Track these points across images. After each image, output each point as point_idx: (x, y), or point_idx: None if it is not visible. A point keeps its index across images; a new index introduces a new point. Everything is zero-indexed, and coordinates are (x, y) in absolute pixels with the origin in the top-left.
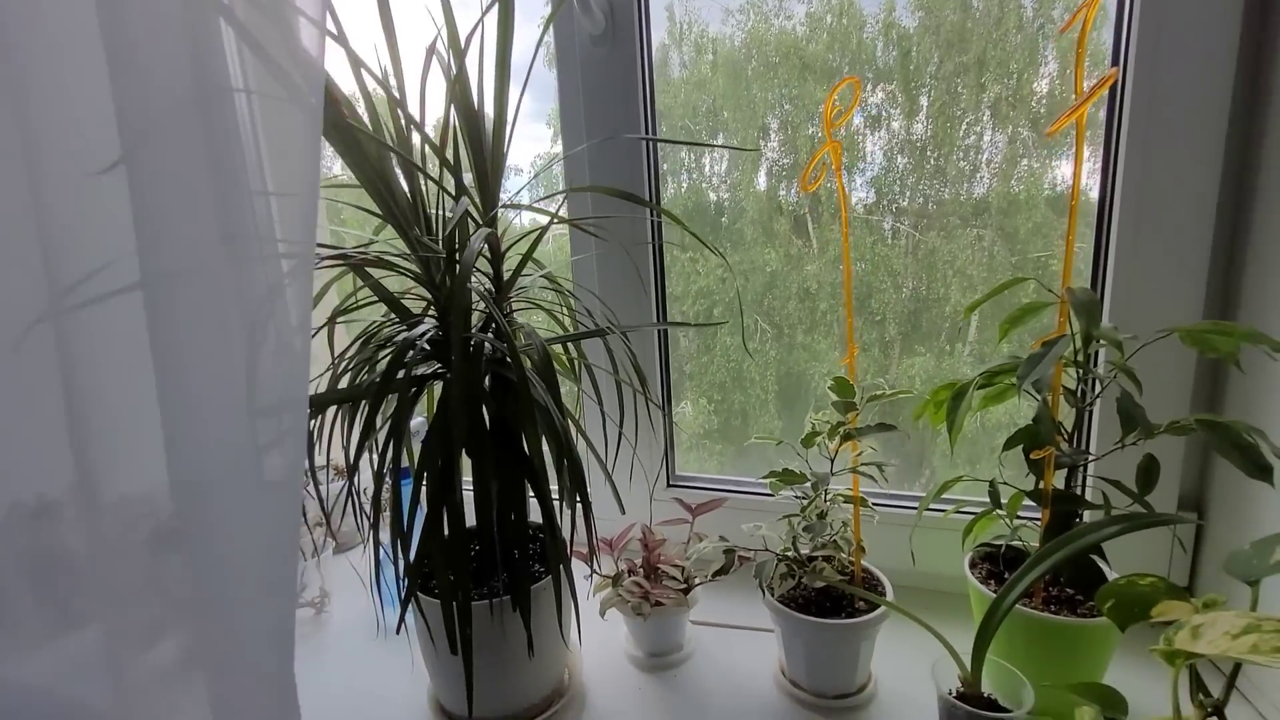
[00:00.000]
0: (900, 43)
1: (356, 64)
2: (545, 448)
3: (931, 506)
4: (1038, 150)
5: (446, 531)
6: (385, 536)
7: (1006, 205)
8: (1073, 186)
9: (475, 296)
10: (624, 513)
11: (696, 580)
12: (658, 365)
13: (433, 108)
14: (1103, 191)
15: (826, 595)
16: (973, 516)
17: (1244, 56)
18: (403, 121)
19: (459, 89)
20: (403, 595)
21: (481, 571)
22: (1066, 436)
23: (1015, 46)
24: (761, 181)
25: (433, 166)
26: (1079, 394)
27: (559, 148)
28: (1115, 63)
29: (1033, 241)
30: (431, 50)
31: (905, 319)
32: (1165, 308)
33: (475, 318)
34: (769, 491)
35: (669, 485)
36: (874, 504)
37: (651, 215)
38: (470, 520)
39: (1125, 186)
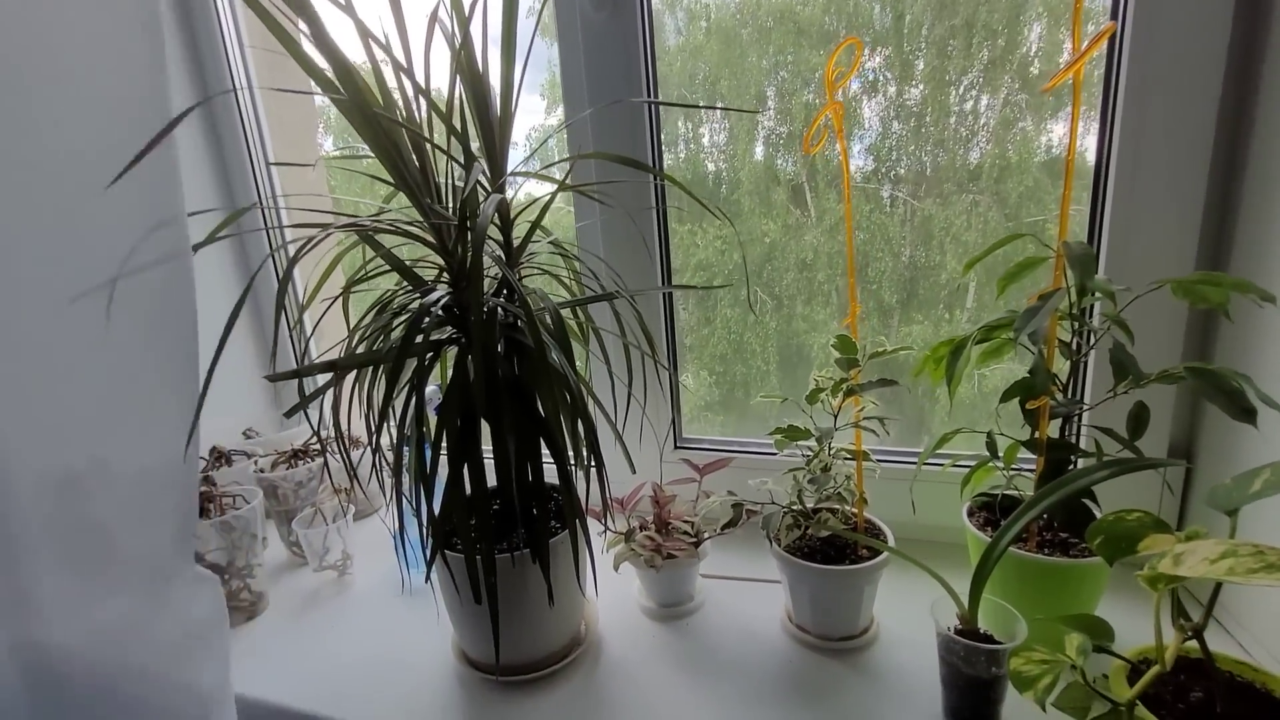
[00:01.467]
0: (894, 5)
1: (364, 34)
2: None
3: (931, 461)
4: (1031, 114)
5: (468, 489)
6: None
7: (1000, 170)
8: (1069, 142)
9: (487, 262)
10: (634, 472)
11: (705, 534)
12: (663, 328)
13: (436, 76)
14: (1099, 148)
15: (831, 545)
16: (970, 469)
17: (1240, 10)
18: (410, 92)
19: (465, 57)
20: (427, 552)
21: (501, 529)
22: (1061, 387)
23: (1004, 8)
24: (759, 152)
25: (439, 137)
26: (1074, 346)
27: (553, 119)
28: (1114, 17)
29: (1026, 206)
30: (433, 18)
31: (903, 286)
32: (1159, 261)
33: (487, 283)
34: (773, 451)
35: (676, 447)
36: (875, 459)
37: (655, 181)
38: (488, 481)
39: (1121, 142)
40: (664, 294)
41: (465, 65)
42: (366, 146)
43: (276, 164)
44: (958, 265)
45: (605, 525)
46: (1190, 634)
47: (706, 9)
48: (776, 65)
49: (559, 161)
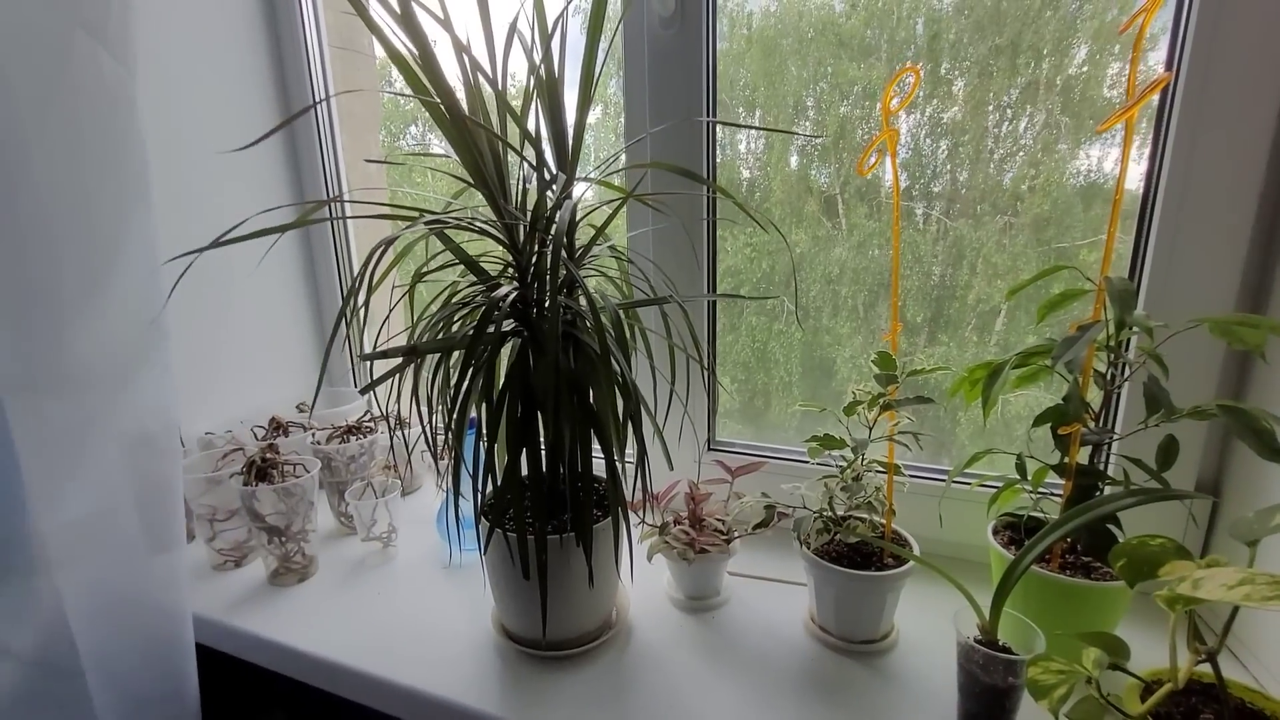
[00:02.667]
0: (935, 23)
1: (459, 49)
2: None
3: (958, 480)
4: (1069, 138)
5: (525, 472)
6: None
7: (1034, 193)
8: (1118, 184)
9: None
10: (672, 469)
11: (736, 533)
12: (705, 335)
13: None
14: (1146, 181)
15: (857, 552)
16: (996, 489)
17: None
18: (496, 104)
19: (545, 70)
20: (479, 529)
21: (548, 511)
22: (1094, 416)
23: (1051, 31)
24: (794, 162)
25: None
26: (1108, 377)
27: (603, 130)
28: (1168, 64)
29: (1058, 230)
30: (513, 29)
31: (930, 305)
32: (1198, 298)
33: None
34: (803, 459)
35: (709, 449)
36: (906, 474)
37: (708, 193)
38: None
39: (1170, 178)
40: (708, 302)
41: (547, 79)
42: (438, 144)
43: (371, 161)
44: (987, 287)
45: (642, 518)
46: (1204, 657)
47: (749, 17)
48: (816, 76)
49: (620, 169)
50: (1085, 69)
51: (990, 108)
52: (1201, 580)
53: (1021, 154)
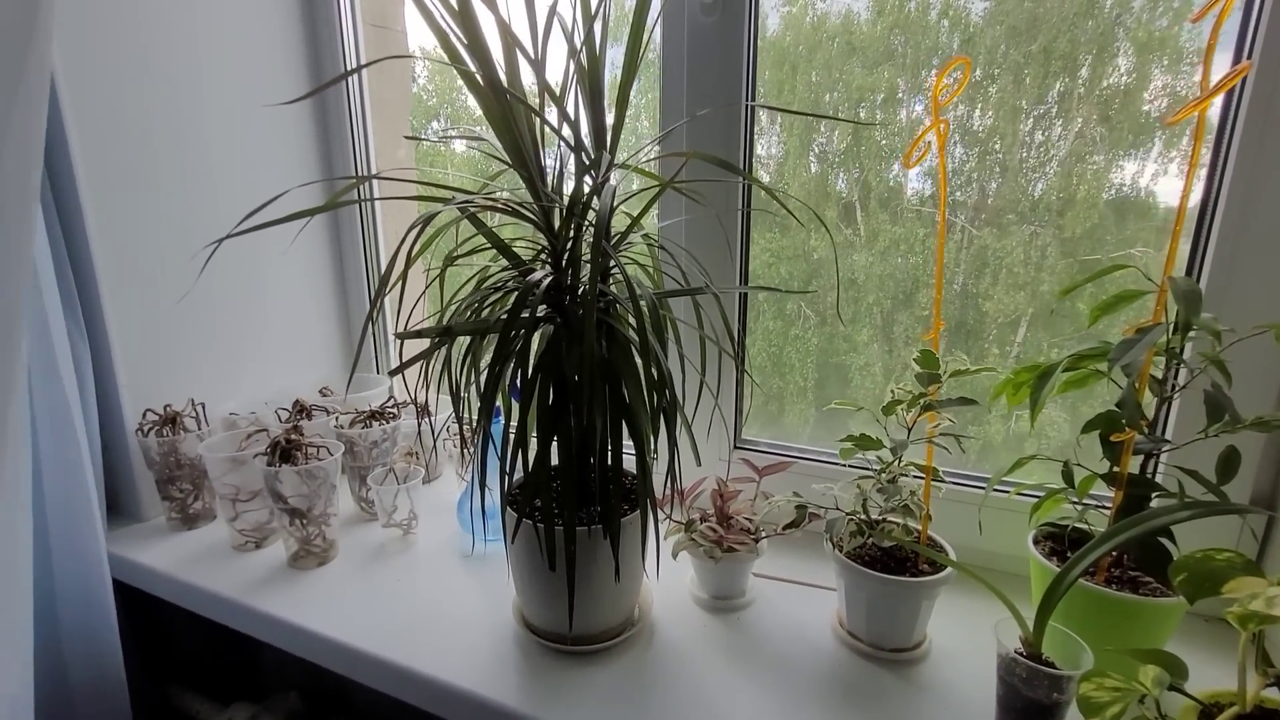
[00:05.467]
0: (966, 28)
1: (504, 30)
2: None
3: (996, 488)
4: (1104, 149)
5: (555, 460)
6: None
7: (1064, 204)
8: (1186, 180)
9: (586, 247)
10: (699, 464)
11: (764, 533)
12: (735, 327)
13: (552, 70)
14: (1206, 187)
15: (891, 556)
16: (1037, 499)
17: None
18: (537, 89)
19: (588, 54)
20: (504, 518)
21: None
22: (1147, 424)
23: (1088, 40)
24: (814, 166)
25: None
26: (1165, 383)
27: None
28: (1236, 58)
29: (1088, 244)
30: (552, 11)
31: (951, 315)
32: (1261, 305)
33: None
34: (831, 460)
35: (735, 447)
36: (944, 479)
37: (743, 183)
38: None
39: (1233, 182)
40: (739, 295)
41: (590, 67)
42: (474, 131)
43: (411, 138)
44: (1006, 296)
45: (669, 514)
46: (1273, 681)
47: (785, 11)
48: (836, 81)
49: (658, 157)
50: (1125, 79)
51: (1021, 115)
52: (1278, 598)
53: (1053, 164)
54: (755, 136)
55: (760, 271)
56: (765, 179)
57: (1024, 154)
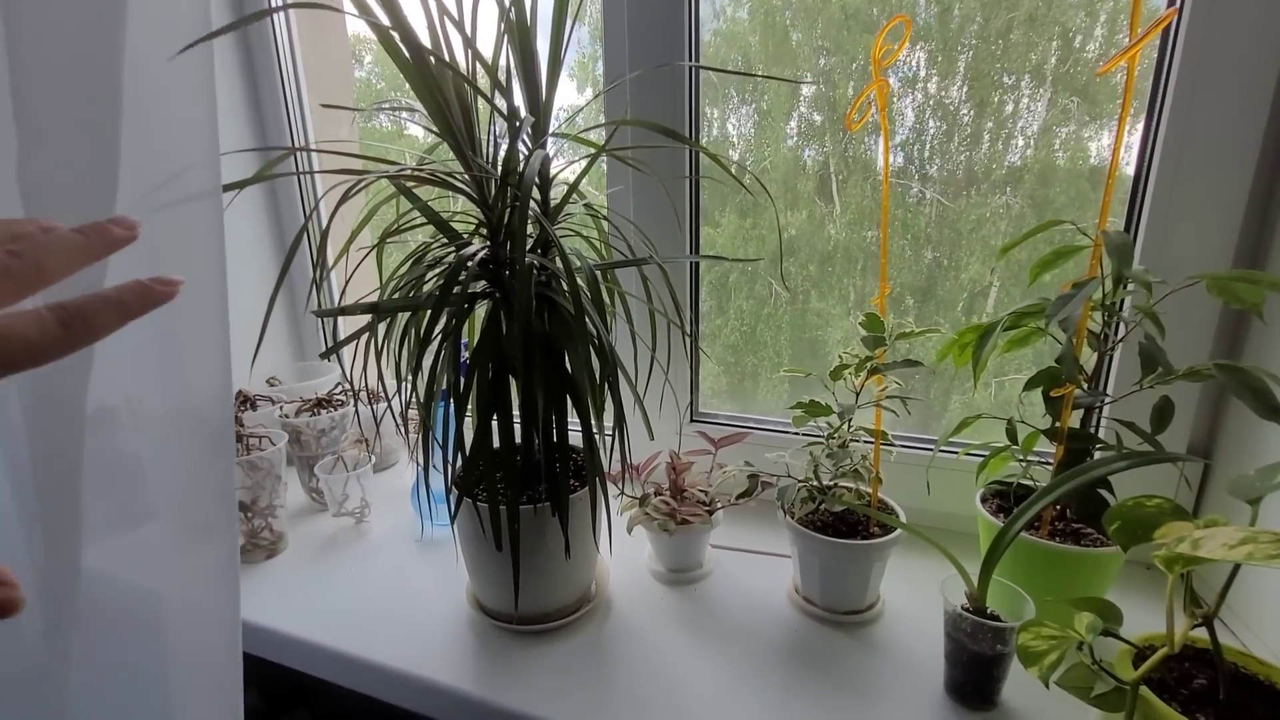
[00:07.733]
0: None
1: None
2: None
3: (945, 449)
4: (1077, 120)
5: (496, 441)
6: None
7: (1038, 176)
8: (1118, 128)
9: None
10: (653, 439)
11: (719, 504)
12: (688, 300)
13: (482, 37)
14: (1142, 142)
15: (843, 521)
16: (984, 458)
17: None
18: (464, 52)
19: (515, 13)
20: (451, 500)
21: (522, 481)
22: (1087, 378)
23: (1063, 7)
24: (791, 135)
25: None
26: (1102, 337)
27: (583, 100)
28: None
29: (1065, 214)
30: None
31: (920, 287)
32: (1195, 257)
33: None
34: (787, 430)
35: (692, 420)
36: (893, 442)
37: (690, 150)
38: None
39: (1167, 136)
40: (690, 265)
41: (518, 28)
42: (409, 102)
43: (328, 106)
44: (980, 267)
45: (621, 489)
46: (1200, 621)
47: None
48: (816, 51)
49: (597, 126)
50: (1093, 49)
51: (994, 87)
52: (1202, 540)
53: (1025, 135)
54: (701, 102)
55: (729, 253)
56: (735, 156)
57: (994, 125)
